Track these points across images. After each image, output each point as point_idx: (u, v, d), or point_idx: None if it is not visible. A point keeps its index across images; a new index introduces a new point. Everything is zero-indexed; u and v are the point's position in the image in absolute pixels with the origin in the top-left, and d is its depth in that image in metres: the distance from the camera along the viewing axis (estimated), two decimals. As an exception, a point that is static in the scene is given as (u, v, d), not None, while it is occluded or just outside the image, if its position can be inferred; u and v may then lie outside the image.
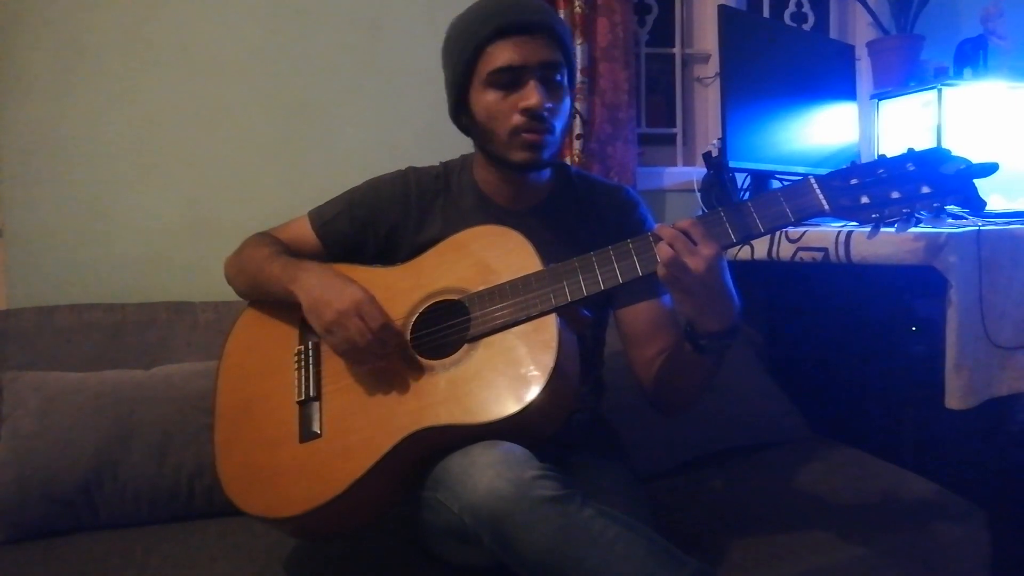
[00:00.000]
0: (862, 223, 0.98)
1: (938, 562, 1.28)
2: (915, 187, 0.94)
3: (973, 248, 1.29)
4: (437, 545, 1.09)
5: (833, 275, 1.65)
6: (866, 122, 2.15)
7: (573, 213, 1.25)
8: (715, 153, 1.78)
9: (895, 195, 0.95)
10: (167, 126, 1.73)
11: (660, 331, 1.19)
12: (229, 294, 1.62)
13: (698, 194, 1.87)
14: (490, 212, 1.22)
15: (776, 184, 1.89)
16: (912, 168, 0.95)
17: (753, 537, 1.22)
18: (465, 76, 1.15)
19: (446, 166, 1.29)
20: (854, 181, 0.97)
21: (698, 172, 1.95)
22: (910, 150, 0.97)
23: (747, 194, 1.81)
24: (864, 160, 2.14)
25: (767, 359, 1.88)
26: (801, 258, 1.55)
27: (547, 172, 1.25)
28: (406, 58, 1.88)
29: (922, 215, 0.95)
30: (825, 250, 1.47)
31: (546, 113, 1.12)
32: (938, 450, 1.49)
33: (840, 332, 1.78)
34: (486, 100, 1.13)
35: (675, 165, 2.28)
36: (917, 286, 1.44)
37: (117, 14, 1.68)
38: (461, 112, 1.19)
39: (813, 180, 0.98)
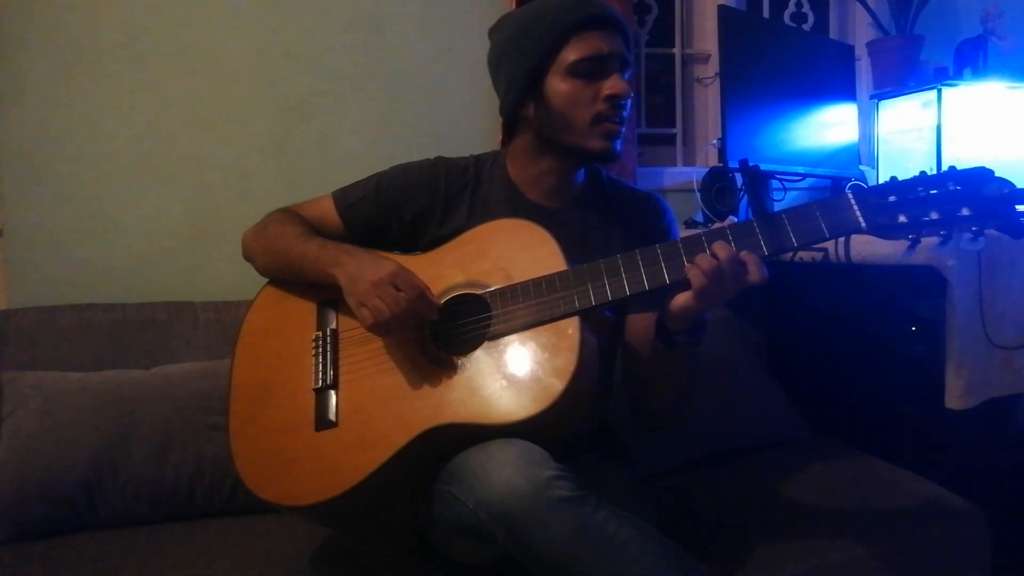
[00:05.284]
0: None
1: (938, 562, 1.28)
2: (954, 208, 0.90)
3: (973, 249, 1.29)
4: (444, 540, 1.09)
5: (833, 275, 1.65)
6: (866, 122, 2.15)
7: (601, 215, 1.24)
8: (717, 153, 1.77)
9: (933, 215, 0.91)
10: (167, 126, 1.73)
11: None
12: (229, 294, 1.63)
13: (698, 194, 1.87)
14: (519, 206, 1.21)
15: (776, 184, 1.89)
16: (953, 188, 0.91)
17: (753, 537, 1.23)
18: (542, 65, 1.13)
19: (477, 159, 1.27)
20: (892, 198, 0.93)
21: (698, 172, 1.94)
22: (952, 168, 0.93)
23: (743, 194, 1.81)
24: (863, 160, 2.16)
25: (767, 359, 1.88)
26: (801, 258, 1.55)
27: (582, 173, 1.24)
28: (406, 58, 1.87)
29: (959, 237, 0.93)
30: (825, 250, 1.47)
31: (627, 102, 1.13)
32: (938, 450, 1.49)
33: (840, 332, 1.77)
34: (567, 88, 1.12)
35: (675, 165, 2.28)
36: (917, 286, 1.44)
37: (117, 14, 1.68)
38: (528, 101, 1.16)
39: (851, 196, 0.95)
